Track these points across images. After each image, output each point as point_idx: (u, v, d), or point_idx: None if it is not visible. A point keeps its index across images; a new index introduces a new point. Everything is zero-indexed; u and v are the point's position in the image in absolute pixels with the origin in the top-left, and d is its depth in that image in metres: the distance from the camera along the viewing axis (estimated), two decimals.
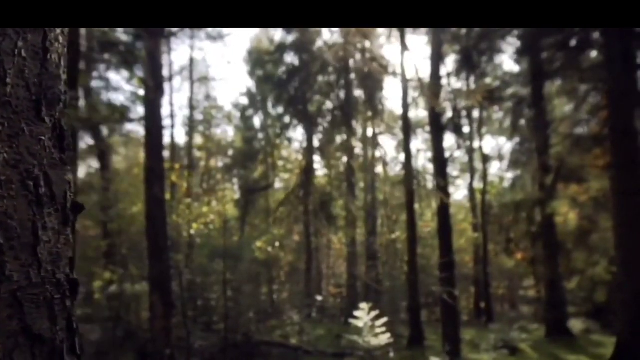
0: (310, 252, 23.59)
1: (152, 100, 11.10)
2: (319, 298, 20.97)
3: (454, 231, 16.55)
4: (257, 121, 27.41)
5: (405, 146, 15.30)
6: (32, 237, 0.78)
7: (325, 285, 26.88)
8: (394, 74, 15.82)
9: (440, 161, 13.29)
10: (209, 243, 13.93)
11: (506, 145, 25.57)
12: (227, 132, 30.48)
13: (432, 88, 12.96)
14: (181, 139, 31.11)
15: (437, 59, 13.67)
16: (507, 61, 38.11)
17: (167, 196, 15.36)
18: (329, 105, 22.09)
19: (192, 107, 25.08)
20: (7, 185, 0.75)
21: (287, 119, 23.61)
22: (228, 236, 14.39)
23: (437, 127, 13.41)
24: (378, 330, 7.56)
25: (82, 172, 19.39)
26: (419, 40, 24.69)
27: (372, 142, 23.34)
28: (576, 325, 16.97)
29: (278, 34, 22.73)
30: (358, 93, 21.64)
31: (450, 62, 18.09)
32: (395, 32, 15.07)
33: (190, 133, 25.16)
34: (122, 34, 15.35)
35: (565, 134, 16.83)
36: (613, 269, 14.85)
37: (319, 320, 19.38)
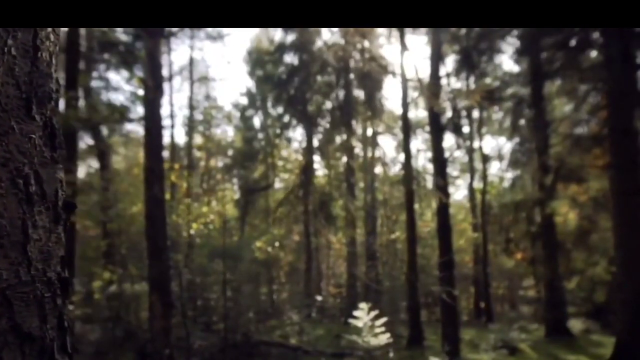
0: (310, 252, 23.59)
1: (152, 100, 11.10)
2: (319, 298, 20.96)
3: (453, 231, 16.55)
4: (256, 121, 27.44)
5: (404, 146, 15.30)
6: (22, 236, 0.78)
7: (325, 285, 26.87)
8: (394, 73, 15.83)
9: (439, 161, 13.29)
10: (209, 243, 13.92)
11: (506, 145, 25.59)
12: (227, 132, 30.51)
13: (432, 88, 12.96)
14: (181, 139, 31.13)
15: (436, 59, 13.67)
16: (507, 61, 38.12)
17: (167, 196, 15.36)
18: (328, 105, 22.10)
19: (192, 107, 25.10)
20: None
21: (286, 119, 23.62)
22: (228, 236, 14.39)
23: (436, 127, 13.41)
24: (377, 330, 7.56)
25: (82, 172, 19.39)
26: (419, 40, 24.67)
27: (371, 142, 23.34)
28: (576, 325, 16.97)
29: (278, 34, 22.75)
30: (358, 93, 21.65)
31: (450, 62, 18.10)
32: (395, 32, 15.08)
33: (190, 133, 25.17)
34: (121, 34, 15.36)
35: (565, 134, 16.83)
36: (613, 269, 14.85)
37: (319, 320, 19.37)
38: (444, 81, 15.50)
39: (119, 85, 20.91)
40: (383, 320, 7.62)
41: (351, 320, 7.81)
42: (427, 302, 21.87)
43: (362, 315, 7.57)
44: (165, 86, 22.46)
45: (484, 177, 23.70)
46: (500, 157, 25.38)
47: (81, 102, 15.49)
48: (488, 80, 19.58)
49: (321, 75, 21.37)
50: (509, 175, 24.98)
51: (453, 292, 12.07)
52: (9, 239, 0.76)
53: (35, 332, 0.78)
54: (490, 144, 47.19)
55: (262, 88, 25.14)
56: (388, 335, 7.57)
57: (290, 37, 21.38)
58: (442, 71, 14.90)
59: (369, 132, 23.17)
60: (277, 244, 18.98)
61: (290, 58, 22.09)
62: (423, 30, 14.87)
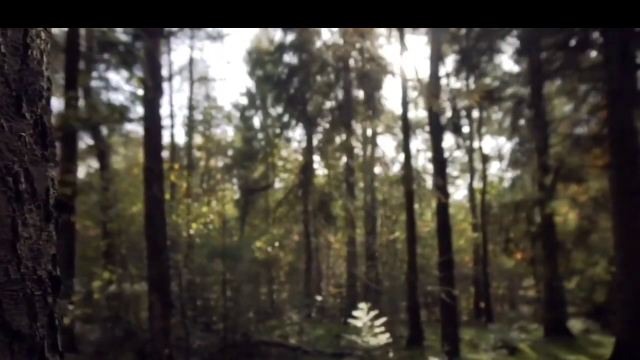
0: (309, 252, 23.60)
1: (151, 100, 11.09)
2: (319, 298, 20.97)
3: (453, 231, 16.55)
4: (256, 121, 27.46)
5: (404, 146, 15.30)
6: (11, 234, 0.78)
7: (324, 285, 26.88)
8: (393, 73, 15.83)
9: (439, 161, 13.28)
10: (209, 243, 13.92)
11: (506, 145, 25.58)
12: (226, 132, 30.52)
13: (431, 88, 12.95)
14: (181, 139, 31.10)
15: (436, 59, 13.66)
16: (507, 61, 38.12)
17: (167, 196, 15.36)
18: (328, 105, 22.10)
19: (191, 107, 25.10)
20: None
21: (286, 119, 23.62)
22: (227, 236, 14.39)
23: (436, 127, 13.41)
24: (377, 330, 7.56)
25: (81, 172, 19.40)
26: (419, 40, 24.66)
27: (371, 142, 23.34)
28: (575, 325, 16.96)
29: (278, 34, 22.76)
30: (357, 93, 21.65)
31: (449, 62, 18.11)
32: (394, 32, 15.08)
33: (189, 133, 25.17)
34: (121, 34, 15.37)
35: (564, 134, 16.84)
36: (612, 268, 14.85)
37: (319, 320, 19.37)
38: (443, 81, 15.50)
39: (119, 85, 20.92)
40: (383, 320, 7.62)
41: (351, 320, 7.81)
42: (427, 302, 21.87)
43: (362, 315, 7.57)
44: (165, 86, 22.48)
45: (484, 177, 23.70)
46: (500, 157, 25.40)
47: (81, 102, 15.49)
48: (488, 80, 19.58)
49: (321, 75, 21.37)
50: (509, 175, 25.00)
51: (452, 292, 12.06)
52: None
53: (24, 330, 0.78)
54: (490, 144, 47.18)
55: (262, 88, 25.15)
56: (387, 335, 7.57)
57: (290, 37, 21.39)
58: (442, 71, 14.91)
59: (369, 132, 23.17)
60: (277, 244, 18.97)
61: (290, 58, 22.11)
62: (423, 30, 14.88)
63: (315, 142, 23.54)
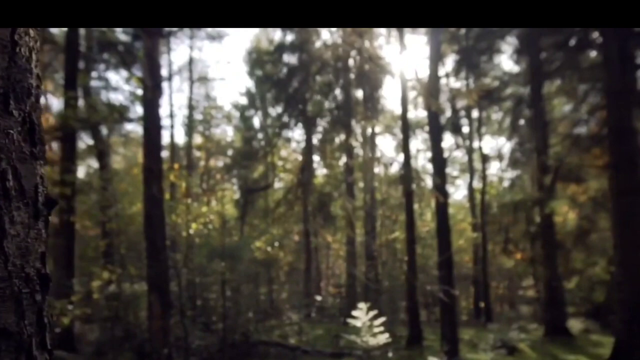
0: (309, 252, 23.59)
1: (151, 100, 11.09)
2: (318, 298, 20.96)
3: (453, 231, 16.55)
4: (256, 121, 27.44)
5: (404, 146, 15.30)
6: None
7: (324, 285, 26.89)
8: (393, 73, 15.83)
9: (439, 161, 13.27)
10: (208, 243, 13.91)
11: (505, 145, 25.58)
12: (226, 132, 30.53)
13: (430, 88, 12.95)
14: (180, 138, 31.14)
15: (435, 58, 13.65)
16: (506, 61, 38.13)
17: (167, 196, 15.35)
18: (327, 105, 22.09)
19: (191, 107, 25.10)
20: None
21: (286, 119, 23.62)
22: (227, 236, 14.38)
23: (435, 127, 13.40)
24: (376, 330, 7.55)
25: (81, 172, 19.40)
26: (418, 40, 24.69)
27: (371, 142, 23.33)
28: (575, 325, 16.96)
29: (277, 34, 22.76)
30: (357, 93, 21.65)
31: (449, 62, 18.12)
32: (394, 32, 15.08)
33: (189, 133, 25.18)
34: (120, 34, 15.38)
35: (564, 134, 16.82)
36: (612, 268, 14.85)
37: (318, 320, 19.36)
38: (443, 81, 15.50)
39: (118, 85, 20.96)
40: (382, 320, 7.61)
41: (350, 320, 7.80)
42: (426, 302, 21.89)
43: (361, 315, 7.56)
44: (165, 86, 22.49)
45: (484, 177, 23.70)
46: (499, 157, 25.38)
47: (80, 102, 15.50)
48: (487, 80, 19.58)
49: (320, 75, 21.37)
50: (509, 175, 25.01)
51: (451, 292, 12.05)
52: None
53: (11, 328, 0.78)
54: (489, 143, 47.27)
55: (262, 88, 25.14)
56: (387, 335, 7.57)
57: (290, 37, 21.39)
58: (442, 71, 14.92)
59: (368, 132, 23.16)
60: (276, 244, 18.97)
61: (290, 58, 22.11)
62: (422, 30, 14.88)
63: (314, 142, 23.55)
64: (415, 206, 16.86)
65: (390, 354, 10.42)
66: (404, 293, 16.11)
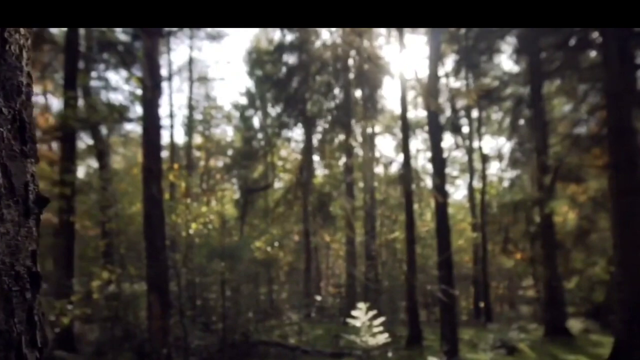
0: (309, 252, 23.60)
1: (150, 100, 11.09)
2: (318, 298, 20.96)
3: (453, 231, 16.55)
4: (256, 121, 27.45)
5: (403, 146, 15.31)
6: None
7: (324, 285, 26.89)
8: (392, 73, 15.83)
9: (438, 161, 13.27)
10: (208, 243, 13.91)
11: (505, 145, 25.57)
12: (226, 132, 30.53)
13: (430, 88, 12.95)
14: (180, 138, 31.15)
15: (435, 58, 13.65)
16: (506, 61, 38.09)
17: (166, 196, 15.35)
18: (327, 105, 22.10)
19: (191, 107, 25.10)
20: None
21: (285, 119, 23.63)
22: (227, 236, 14.39)
23: (435, 127, 13.40)
24: (376, 329, 7.55)
25: (81, 172, 19.41)
26: (418, 40, 24.68)
27: (370, 142, 23.34)
28: (575, 325, 16.96)
29: (277, 34, 22.77)
30: (356, 93, 21.65)
31: (449, 62, 18.12)
32: (394, 32, 15.07)
33: (189, 133, 25.17)
34: (120, 34, 15.38)
35: (564, 134, 16.82)
36: (611, 268, 14.84)
37: (318, 320, 19.37)
38: (443, 81, 15.51)
39: (118, 85, 20.96)
40: (382, 320, 7.62)
41: (350, 320, 7.81)
42: (426, 302, 21.90)
43: (361, 315, 7.56)
44: (165, 86, 22.49)
45: (483, 177, 23.70)
46: (499, 157, 25.38)
47: (80, 102, 15.50)
48: (487, 80, 19.57)
49: (320, 75, 21.38)
50: (508, 175, 25.00)
51: (451, 292, 12.05)
52: None
53: (0, 326, 0.78)
54: (489, 143, 47.24)
55: (262, 88, 25.15)
56: (386, 335, 7.57)
57: (289, 37, 21.40)
58: (441, 71, 14.92)
59: (368, 131, 23.17)
60: (276, 244, 18.97)
61: (289, 58, 22.12)
62: (422, 30, 14.88)
63: (314, 142, 23.55)
64: (415, 206, 16.86)
65: (389, 354, 10.42)
66: (403, 293, 16.11)
